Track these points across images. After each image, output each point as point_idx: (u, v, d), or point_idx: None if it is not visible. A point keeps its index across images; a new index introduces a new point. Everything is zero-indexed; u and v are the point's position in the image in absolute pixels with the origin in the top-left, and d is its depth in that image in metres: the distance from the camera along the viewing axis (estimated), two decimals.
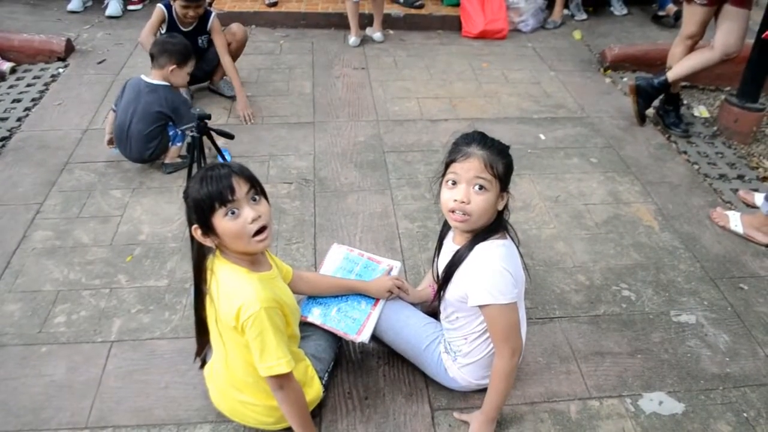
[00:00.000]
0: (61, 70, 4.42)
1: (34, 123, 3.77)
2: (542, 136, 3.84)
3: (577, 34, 5.41)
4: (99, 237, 2.86)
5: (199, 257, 1.78)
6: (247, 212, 1.66)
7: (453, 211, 1.82)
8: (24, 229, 2.88)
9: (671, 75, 3.77)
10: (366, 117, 3.99)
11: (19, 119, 3.79)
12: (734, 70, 3.90)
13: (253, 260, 1.80)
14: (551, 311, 2.53)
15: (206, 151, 2.95)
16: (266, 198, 1.75)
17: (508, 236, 1.93)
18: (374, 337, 2.15)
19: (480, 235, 1.87)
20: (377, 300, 2.17)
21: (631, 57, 4.79)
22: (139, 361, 2.27)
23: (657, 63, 4.69)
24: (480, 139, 1.82)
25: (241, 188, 1.65)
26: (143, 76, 3.20)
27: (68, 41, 4.63)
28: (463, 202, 1.78)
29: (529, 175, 3.44)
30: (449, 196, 1.82)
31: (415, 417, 2.09)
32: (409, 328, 2.14)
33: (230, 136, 3.08)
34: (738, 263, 2.85)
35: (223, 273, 1.74)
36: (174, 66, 3.17)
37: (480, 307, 1.84)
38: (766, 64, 3.67)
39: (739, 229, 2.99)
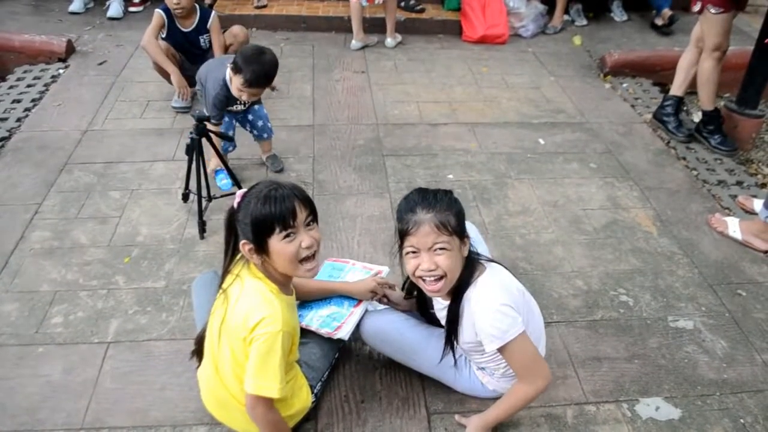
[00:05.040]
0: (61, 70, 4.43)
1: (33, 123, 3.77)
2: (541, 141, 3.84)
3: (577, 40, 5.42)
4: (97, 238, 2.86)
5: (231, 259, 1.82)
6: (304, 238, 1.69)
7: (424, 279, 1.80)
8: (22, 230, 2.88)
9: (705, 104, 3.79)
10: (366, 120, 4.00)
11: (18, 119, 3.79)
12: (734, 77, 3.91)
13: (286, 282, 1.83)
14: (549, 316, 2.52)
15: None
16: (317, 223, 1.77)
17: (482, 264, 1.91)
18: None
19: (461, 286, 1.85)
20: (360, 301, 2.17)
21: (631, 63, 4.79)
22: (135, 362, 2.26)
23: (657, 69, 4.73)
24: (422, 200, 1.77)
25: (301, 213, 1.68)
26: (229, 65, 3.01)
27: (69, 42, 4.64)
28: (431, 270, 1.76)
29: (528, 179, 3.44)
30: (414, 265, 1.79)
31: (411, 420, 2.08)
32: (420, 354, 2.10)
33: (229, 139, 3.09)
34: (736, 269, 2.85)
35: (251, 283, 1.75)
36: (234, 75, 2.90)
37: (497, 350, 1.83)
38: (766, 71, 3.67)
39: (738, 236, 2.99)
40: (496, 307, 1.79)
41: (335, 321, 2.10)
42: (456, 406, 2.13)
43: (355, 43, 5.04)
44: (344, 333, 2.06)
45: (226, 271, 1.84)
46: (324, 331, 2.07)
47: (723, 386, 2.27)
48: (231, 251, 1.82)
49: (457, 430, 2.05)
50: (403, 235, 1.78)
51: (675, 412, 2.16)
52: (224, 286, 1.81)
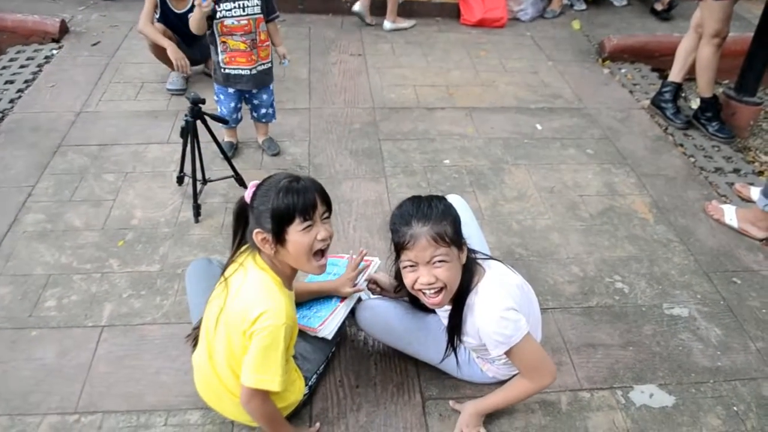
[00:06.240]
0: (54, 51, 4.38)
1: (26, 105, 3.74)
2: (539, 126, 3.82)
3: (576, 24, 5.38)
4: (91, 221, 2.84)
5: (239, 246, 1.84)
6: (320, 230, 1.71)
7: (423, 292, 1.78)
8: (15, 212, 2.86)
9: (704, 91, 3.75)
10: (362, 104, 3.97)
11: (11, 101, 3.75)
12: (733, 64, 3.88)
13: (291, 277, 1.83)
14: (544, 302, 2.52)
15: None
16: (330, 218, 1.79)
17: (480, 266, 1.88)
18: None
19: (462, 293, 1.83)
20: (344, 297, 2.14)
21: (630, 48, 4.76)
22: (129, 346, 2.26)
23: (655, 54, 4.70)
24: (416, 212, 1.73)
25: (320, 206, 1.71)
26: None
27: (62, 22, 4.58)
28: (431, 283, 1.73)
29: (524, 165, 3.42)
30: (413, 279, 1.76)
31: (406, 406, 2.09)
32: (421, 342, 2.09)
33: (224, 121, 3.06)
34: (732, 257, 2.85)
35: (255, 273, 1.75)
36: None
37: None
38: (765, 58, 3.65)
39: (734, 223, 2.99)
40: (500, 314, 1.77)
41: (320, 317, 2.08)
42: (451, 392, 2.14)
43: (359, 8, 5.03)
44: (328, 331, 2.04)
45: (230, 260, 1.84)
46: (308, 329, 2.05)
47: (717, 374, 2.27)
48: (238, 241, 1.83)
49: (451, 415, 2.05)
50: (399, 248, 1.76)
51: (669, 399, 2.17)
52: (226, 274, 1.81)
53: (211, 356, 1.83)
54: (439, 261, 1.71)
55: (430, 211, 1.73)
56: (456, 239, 1.74)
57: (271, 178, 1.74)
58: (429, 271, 1.73)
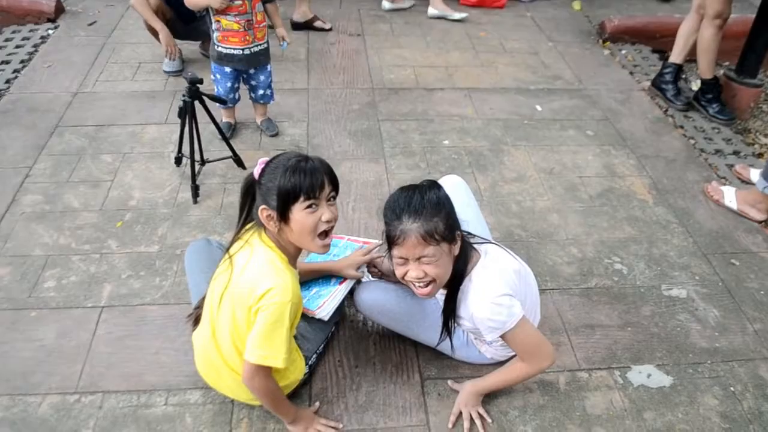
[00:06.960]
0: (50, 31, 4.34)
1: (23, 85, 3.71)
2: (539, 108, 3.80)
3: (576, 5, 5.33)
4: (89, 202, 2.83)
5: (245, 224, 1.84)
6: (325, 212, 1.72)
7: (413, 284, 1.79)
8: (13, 193, 2.85)
9: (704, 72, 3.73)
10: (361, 84, 3.95)
11: (7, 81, 3.73)
12: (734, 45, 3.86)
13: (296, 255, 1.83)
14: (543, 283, 2.52)
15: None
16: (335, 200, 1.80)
17: (476, 251, 1.88)
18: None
19: (455, 280, 1.83)
20: (344, 279, 2.15)
21: (631, 29, 4.72)
22: (129, 326, 2.26)
23: (656, 36, 4.66)
24: (407, 206, 1.71)
25: (326, 187, 1.71)
26: None
27: (58, 2, 4.54)
28: (420, 277, 1.74)
29: (524, 146, 3.41)
30: (403, 271, 1.77)
31: (405, 385, 2.10)
32: (418, 324, 2.09)
33: (222, 102, 3.05)
34: (730, 239, 2.85)
35: (262, 251, 1.75)
36: None
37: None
38: (767, 40, 3.63)
39: (733, 205, 2.99)
40: (493, 300, 1.76)
41: (320, 298, 2.09)
42: (449, 372, 2.15)
43: (385, 4, 5.00)
44: (326, 312, 2.04)
45: (235, 237, 1.85)
46: (306, 310, 2.04)
47: (714, 355, 2.28)
48: (244, 217, 1.84)
49: (450, 395, 2.07)
50: (390, 241, 1.75)
51: (666, 379, 2.18)
52: (231, 251, 1.81)
53: (215, 333, 1.83)
54: (428, 258, 1.72)
55: (421, 205, 1.70)
56: (447, 235, 1.72)
57: (282, 155, 1.74)
58: (418, 266, 1.73)
